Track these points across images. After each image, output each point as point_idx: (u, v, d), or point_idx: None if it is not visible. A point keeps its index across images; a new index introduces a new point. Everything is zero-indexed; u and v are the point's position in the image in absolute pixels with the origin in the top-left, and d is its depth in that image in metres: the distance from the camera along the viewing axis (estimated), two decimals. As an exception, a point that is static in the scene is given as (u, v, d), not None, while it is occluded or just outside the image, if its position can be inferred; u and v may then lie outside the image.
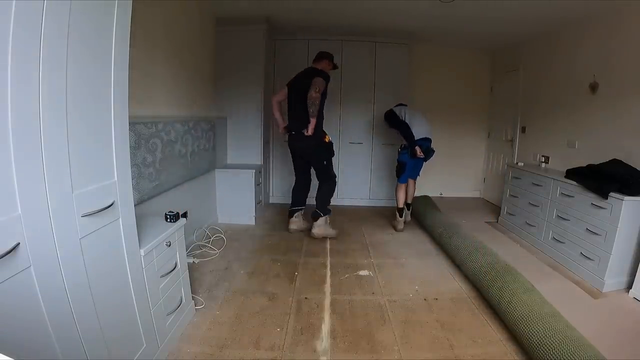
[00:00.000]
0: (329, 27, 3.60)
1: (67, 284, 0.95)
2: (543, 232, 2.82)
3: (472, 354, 1.58)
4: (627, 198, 2.06)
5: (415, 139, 3.07)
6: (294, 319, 1.82)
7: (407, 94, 3.82)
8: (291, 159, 3.15)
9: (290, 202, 3.18)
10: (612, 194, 2.14)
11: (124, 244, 1.22)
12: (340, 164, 3.92)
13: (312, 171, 3.12)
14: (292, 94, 2.89)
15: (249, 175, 3.27)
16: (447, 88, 4.43)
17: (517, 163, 3.49)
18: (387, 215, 3.67)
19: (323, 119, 2.85)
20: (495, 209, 4.02)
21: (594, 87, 2.76)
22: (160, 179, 2.22)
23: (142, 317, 1.33)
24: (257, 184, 3.39)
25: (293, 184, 3.19)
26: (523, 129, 3.82)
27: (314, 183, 3.13)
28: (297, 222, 3.11)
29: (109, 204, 1.12)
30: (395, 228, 3.28)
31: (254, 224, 3.31)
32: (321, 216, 2.95)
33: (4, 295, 0.78)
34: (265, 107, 3.55)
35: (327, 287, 2.17)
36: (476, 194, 4.80)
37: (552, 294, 1.84)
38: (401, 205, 3.27)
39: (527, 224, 3.05)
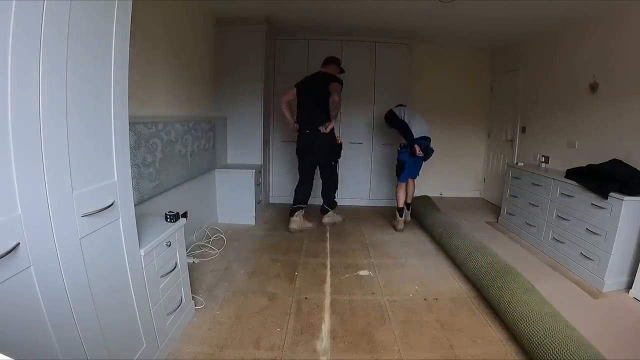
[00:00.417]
0: (329, 27, 3.60)
1: (67, 284, 0.95)
2: (543, 232, 2.82)
3: (472, 354, 1.58)
4: (627, 198, 2.05)
5: (415, 138, 3.07)
6: (294, 319, 1.82)
7: (407, 94, 3.82)
8: (296, 158, 3.17)
9: (290, 201, 3.19)
10: (612, 194, 2.14)
11: (124, 244, 1.22)
12: (340, 164, 3.91)
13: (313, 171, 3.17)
14: (304, 95, 2.98)
15: (249, 175, 3.28)
16: (447, 88, 4.43)
17: (517, 163, 3.49)
18: (387, 215, 3.67)
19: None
20: (495, 209, 4.02)
21: (594, 87, 2.76)
22: (160, 179, 2.22)
23: (142, 317, 1.33)
24: (257, 184, 3.39)
25: (296, 183, 3.20)
26: (523, 129, 3.82)
27: (315, 183, 3.19)
28: (297, 222, 3.12)
29: (109, 204, 1.12)
30: (395, 228, 3.28)
31: (254, 224, 3.32)
32: (329, 210, 3.27)
33: (4, 295, 0.78)
34: (265, 107, 3.55)
35: (327, 287, 2.17)
36: (476, 194, 4.80)
37: (552, 294, 1.84)
38: (401, 204, 3.27)
39: (527, 224, 3.05)
